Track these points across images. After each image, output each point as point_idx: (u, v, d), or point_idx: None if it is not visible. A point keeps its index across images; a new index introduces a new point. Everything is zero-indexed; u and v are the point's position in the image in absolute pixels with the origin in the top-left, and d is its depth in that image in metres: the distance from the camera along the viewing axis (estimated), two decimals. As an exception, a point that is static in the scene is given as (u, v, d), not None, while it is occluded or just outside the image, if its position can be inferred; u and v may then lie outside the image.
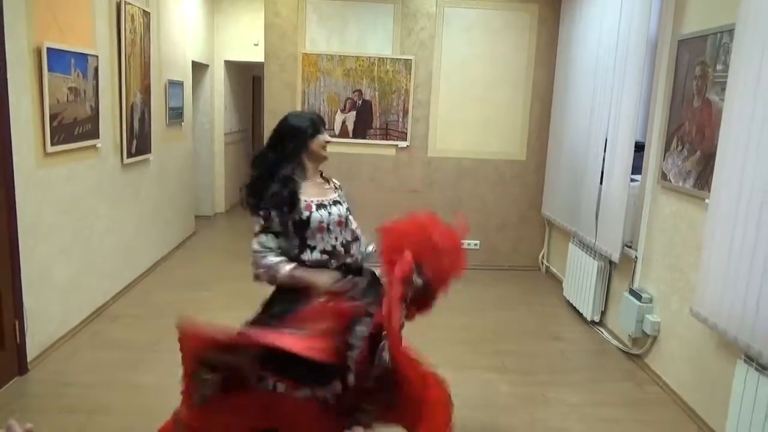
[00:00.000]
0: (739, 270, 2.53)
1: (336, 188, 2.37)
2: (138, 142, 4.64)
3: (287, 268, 2.10)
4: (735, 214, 2.58)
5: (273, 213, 2.11)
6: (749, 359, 2.47)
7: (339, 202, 2.29)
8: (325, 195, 2.26)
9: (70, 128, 3.54)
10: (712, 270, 2.74)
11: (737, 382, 2.53)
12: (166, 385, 3.15)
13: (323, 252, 2.16)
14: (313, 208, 2.16)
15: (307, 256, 2.14)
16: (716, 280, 2.70)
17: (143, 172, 4.88)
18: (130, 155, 4.47)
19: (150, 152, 4.93)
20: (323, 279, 2.10)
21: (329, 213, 2.19)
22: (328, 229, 2.18)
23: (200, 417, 2.14)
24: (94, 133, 3.87)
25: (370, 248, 2.39)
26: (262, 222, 2.14)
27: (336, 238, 2.20)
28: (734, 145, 2.62)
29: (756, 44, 2.50)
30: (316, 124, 2.27)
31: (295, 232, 2.14)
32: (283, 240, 2.14)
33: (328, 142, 2.28)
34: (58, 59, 3.37)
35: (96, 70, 3.84)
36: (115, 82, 4.21)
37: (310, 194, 2.19)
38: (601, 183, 4.08)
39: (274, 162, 2.19)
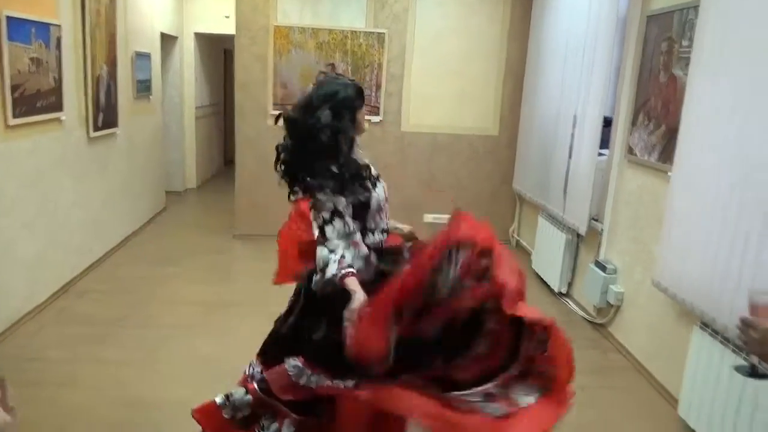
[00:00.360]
0: (697, 241, 2.61)
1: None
2: (104, 115, 4.53)
3: (343, 277, 1.78)
4: (695, 186, 2.66)
5: (339, 195, 1.85)
6: (705, 325, 2.57)
7: (380, 177, 2.06)
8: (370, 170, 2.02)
9: (32, 100, 3.44)
10: (672, 241, 2.82)
11: (693, 347, 2.63)
12: (132, 359, 3.15)
13: (383, 232, 1.98)
14: (372, 185, 1.94)
15: (369, 239, 1.93)
16: (676, 250, 2.78)
17: (110, 146, 4.79)
18: (96, 128, 4.37)
19: (117, 126, 4.83)
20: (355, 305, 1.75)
21: (382, 189, 2.00)
22: (381, 207, 1.98)
23: None
24: (58, 106, 3.78)
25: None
26: (331, 205, 1.84)
27: (386, 216, 2.01)
28: (696, 120, 2.68)
29: (719, 20, 2.54)
30: (362, 94, 2.02)
31: (354, 215, 1.88)
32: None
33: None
34: (18, 28, 3.26)
35: (59, 40, 3.73)
36: (79, 53, 4.09)
37: None
38: (570, 157, 4.14)
39: (332, 138, 1.88)
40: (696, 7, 2.82)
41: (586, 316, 3.94)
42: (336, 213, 1.83)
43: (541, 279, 4.64)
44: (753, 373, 1.30)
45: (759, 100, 2.28)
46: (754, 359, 1.28)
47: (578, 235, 4.16)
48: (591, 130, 3.84)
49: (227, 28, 6.40)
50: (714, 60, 2.57)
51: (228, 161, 9.10)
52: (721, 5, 2.54)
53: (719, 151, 2.51)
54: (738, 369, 1.36)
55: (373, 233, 1.96)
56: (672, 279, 2.82)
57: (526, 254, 5.28)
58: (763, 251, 2.21)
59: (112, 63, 4.67)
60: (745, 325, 1.20)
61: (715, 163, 2.53)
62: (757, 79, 2.30)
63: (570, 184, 4.12)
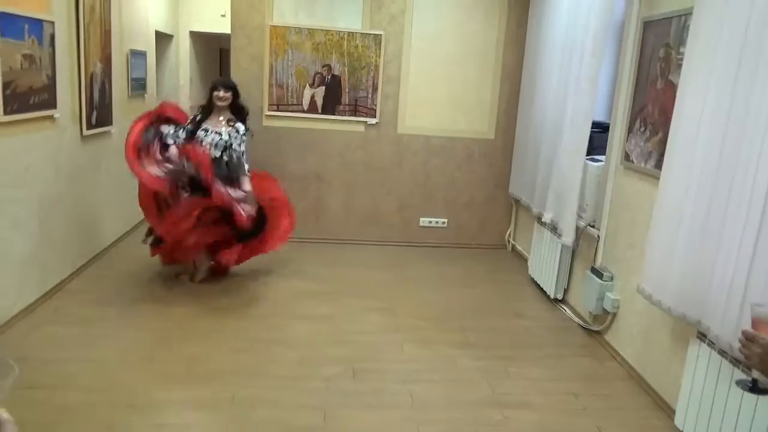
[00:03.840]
0: (689, 248, 2.59)
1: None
2: (98, 113, 4.49)
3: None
4: (684, 192, 2.63)
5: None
6: (702, 336, 2.55)
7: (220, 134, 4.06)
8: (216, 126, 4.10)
9: (24, 97, 3.40)
10: (660, 247, 2.80)
11: (690, 356, 2.62)
12: (128, 360, 3.12)
13: None
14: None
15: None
16: (662, 256, 2.76)
17: (105, 145, 4.74)
18: (90, 126, 4.33)
19: (111, 124, 4.79)
20: None
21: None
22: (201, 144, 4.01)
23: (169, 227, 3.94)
24: (51, 103, 3.73)
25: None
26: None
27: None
28: (685, 127, 2.67)
29: (710, 27, 2.53)
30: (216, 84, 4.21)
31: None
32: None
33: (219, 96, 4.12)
34: (10, 24, 3.21)
35: (52, 37, 3.68)
36: (73, 51, 4.04)
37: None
38: (561, 163, 4.12)
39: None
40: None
41: (582, 323, 3.93)
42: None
43: (538, 285, 4.63)
44: (754, 388, 1.28)
45: (745, 104, 2.28)
46: (756, 374, 1.26)
47: (574, 239, 4.15)
48: (580, 136, 3.83)
49: (223, 27, 6.37)
50: (703, 66, 2.56)
51: (222, 161, 9.04)
52: (713, 12, 2.53)
53: (708, 155, 2.49)
54: (739, 383, 1.34)
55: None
56: (658, 285, 2.80)
57: (523, 260, 5.26)
58: (755, 259, 2.20)
59: (106, 60, 4.62)
60: (747, 338, 1.18)
61: (704, 168, 2.51)
62: (743, 84, 2.30)
63: (560, 191, 4.10)
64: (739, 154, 2.33)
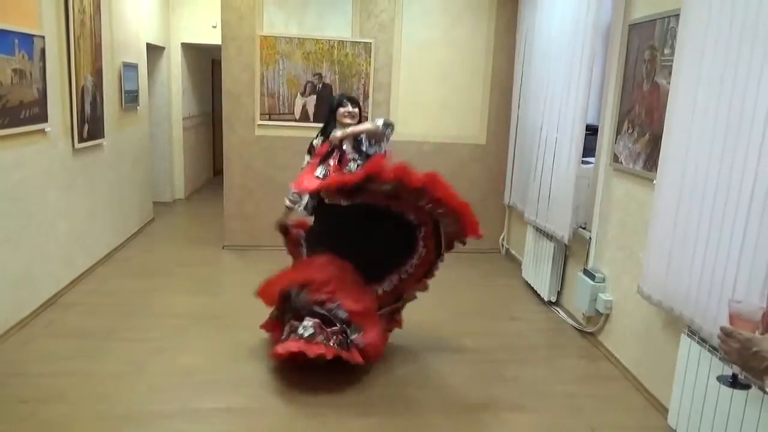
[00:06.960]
0: (681, 247, 2.62)
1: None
2: (90, 126, 4.50)
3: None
4: (679, 194, 2.66)
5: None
6: (692, 333, 2.57)
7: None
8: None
9: (15, 111, 3.41)
10: (656, 248, 2.82)
11: (681, 355, 2.64)
12: (121, 372, 3.11)
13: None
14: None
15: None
16: (660, 257, 2.78)
17: (97, 158, 4.75)
18: (81, 140, 4.34)
19: (103, 137, 4.80)
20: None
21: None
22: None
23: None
24: (42, 117, 3.74)
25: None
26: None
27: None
28: (678, 127, 2.70)
29: (698, 28, 2.57)
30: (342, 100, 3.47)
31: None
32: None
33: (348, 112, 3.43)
34: (0, 40, 3.23)
35: (42, 51, 3.70)
36: (63, 64, 4.06)
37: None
38: (553, 166, 4.15)
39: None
40: (677, 16, 2.85)
41: (576, 325, 3.94)
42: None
43: (531, 288, 4.64)
44: (734, 383, 1.30)
45: (738, 106, 2.30)
46: (736, 369, 1.27)
47: (566, 244, 4.17)
48: (573, 138, 3.84)
49: (214, 38, 6.39)
50: (694, 67, 2.59)
51: (217, 172, 9.06)
52: (701, 13, 2.56)
53: (701, 157, 2.52)
54: (720, 379, 1.35)
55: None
56: (657, 286, 2.82)
57: (517, 263, 5.28)
58: (744, 257, 2.23)
59: (97, 74, 4.64)
60: (725, 334, 1.19)
61: (698, 169, 2.54)
62: (736, 85, 2.32)
63: (554, 193, 4.13)
64: (731, 155, 2.35)
